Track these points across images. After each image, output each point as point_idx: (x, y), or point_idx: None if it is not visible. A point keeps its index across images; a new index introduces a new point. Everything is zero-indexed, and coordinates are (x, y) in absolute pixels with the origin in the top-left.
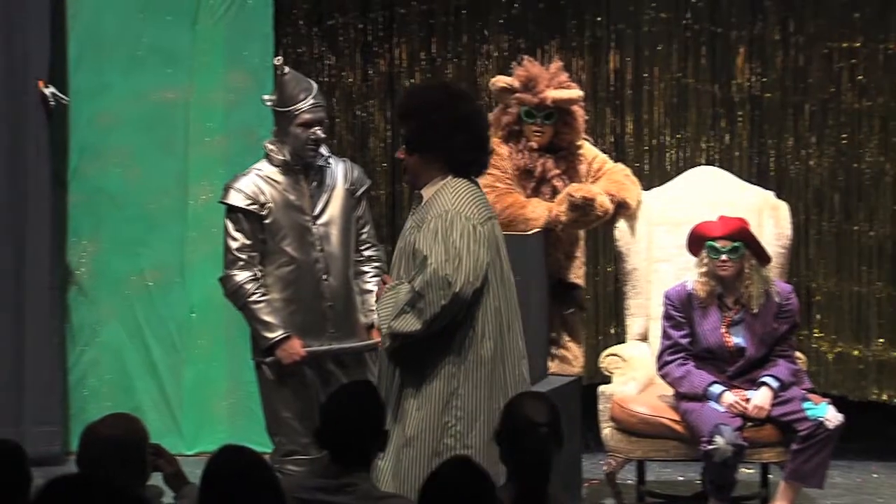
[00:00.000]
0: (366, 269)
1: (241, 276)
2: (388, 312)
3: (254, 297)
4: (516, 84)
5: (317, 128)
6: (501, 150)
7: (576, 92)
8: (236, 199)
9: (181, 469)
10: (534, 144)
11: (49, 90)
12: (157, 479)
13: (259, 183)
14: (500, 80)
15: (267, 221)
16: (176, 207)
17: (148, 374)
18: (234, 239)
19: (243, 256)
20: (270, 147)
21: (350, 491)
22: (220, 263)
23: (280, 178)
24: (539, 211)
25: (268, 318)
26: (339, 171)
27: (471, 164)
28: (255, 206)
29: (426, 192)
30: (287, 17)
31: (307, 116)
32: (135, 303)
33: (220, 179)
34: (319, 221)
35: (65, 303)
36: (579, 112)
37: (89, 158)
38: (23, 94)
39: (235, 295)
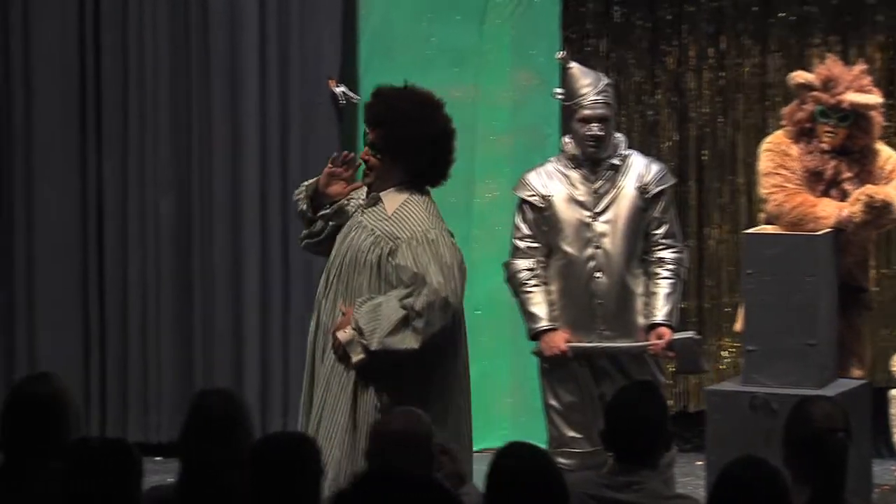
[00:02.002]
0: (657, 270)
1: (519, 264)
2: (375, 327)
3: (525, 287)
4: (815, 82)
5: (595, 124)
6: (791, 150)
7: (875, 98)
8: (522, 190)
9: (463, 468)
10: (825, 146)
11: (339, 89)
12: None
13: (547, 176)
14: (800, 76)
15: (547, 214)
16: (461, 205)
17: None
18: (518, 228)
19: (523, 246)
20: (565, 141)
21: (637, 489)
22: (503, 262)
23: (570, 172)
24: (829, 210)
25: (533, 310)
26: (633, 170)
27: (434, 177)
28: (536, 198)
29: (388, 200)
30: (574, 15)
31: (585, 112)
32: None
33: (506, 178)
34: (601, 219)
35: None
36: (876, 118)
37: None
38: (315, 92)
39: (511, 282)
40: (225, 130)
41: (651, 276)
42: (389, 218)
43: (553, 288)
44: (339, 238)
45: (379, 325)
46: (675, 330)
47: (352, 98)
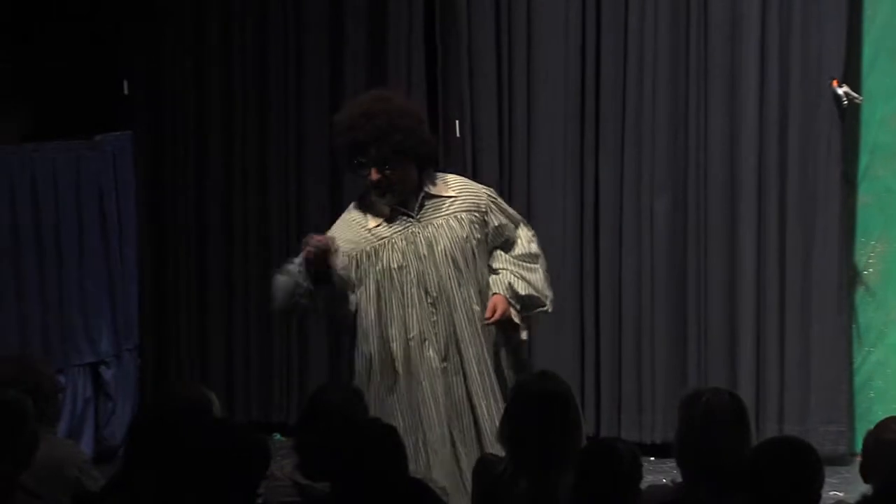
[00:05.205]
0: None
1: None
2: (544, 288)
3: None
4: None
5: None
6: None
7: None
8: None
9: None
10: None
11: (842, 90)
12: None
13: None
14: None
15: None
16: None
17: None
18: None
19: None
20: None
21: None
22: None
23: None
24: None
25: None
26: None
27: (435, 156)
28: None
29: (433, 190)
30: None
31: None
32: None
33: None
34: None
35: (852, 303)
36: None
37: (880, 159)
38: (816, 93)
39: None
40: (722, 131)
41: None
42: (454, 196)
43: None
44: (392, 258)
45: (544, 287)
46: None
47: (854, 99)
